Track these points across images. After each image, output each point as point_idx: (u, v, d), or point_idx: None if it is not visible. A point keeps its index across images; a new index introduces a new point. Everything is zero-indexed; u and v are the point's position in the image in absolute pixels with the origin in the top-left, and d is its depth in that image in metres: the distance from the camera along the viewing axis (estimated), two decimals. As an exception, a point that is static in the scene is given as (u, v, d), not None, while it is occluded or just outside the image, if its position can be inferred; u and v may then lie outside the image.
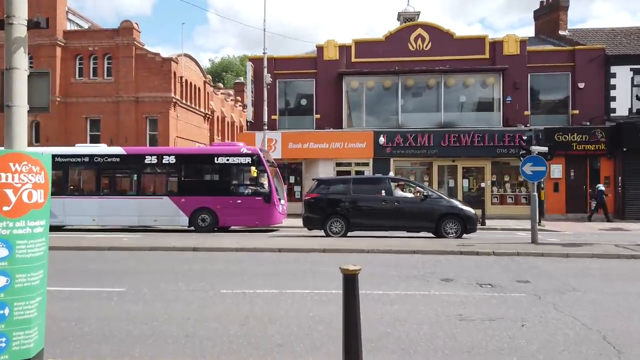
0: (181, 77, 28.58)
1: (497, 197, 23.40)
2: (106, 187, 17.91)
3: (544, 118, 23.91)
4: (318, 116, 25.03)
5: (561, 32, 26.47)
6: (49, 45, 26.67)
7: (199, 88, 32.35)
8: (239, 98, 46.66)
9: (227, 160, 16.70)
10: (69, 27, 28.78)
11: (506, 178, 23.66)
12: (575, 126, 23.20)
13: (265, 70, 22.78)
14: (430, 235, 14.29)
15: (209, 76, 36.48)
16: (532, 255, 10.56)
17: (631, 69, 23.38)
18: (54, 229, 17.42)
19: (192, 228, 16.81)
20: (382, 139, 23.42)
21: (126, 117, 27.01)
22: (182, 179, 17.17)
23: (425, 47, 24.53)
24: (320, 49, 25.16)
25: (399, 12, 28.34)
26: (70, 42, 27.35)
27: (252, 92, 24.97)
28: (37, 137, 27.39)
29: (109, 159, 17.45)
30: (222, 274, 9.03)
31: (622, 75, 23.38)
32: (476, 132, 23.09)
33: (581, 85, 23.53)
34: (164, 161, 17.10)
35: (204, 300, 7.11)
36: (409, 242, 12.47)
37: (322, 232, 14.48)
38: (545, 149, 13.46)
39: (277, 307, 6.72)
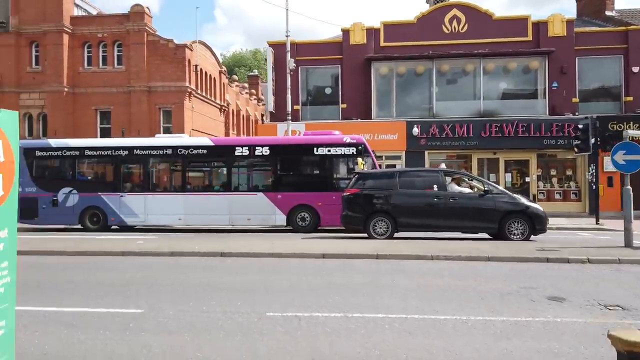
0: (196, 66, 26.77)
1: (543, 193, 21.33)
2: (192, 182, 16.20)
3: (594, 106, 21.79)
4: (344, 106, 23.12)
5: (608, 13, 24.22)
6: (55, 32, 24.99)
7: (214, 78, 30.54)
8: (253, 91, 44.91)
9: (329, 151, 14.86)
10: (76, 12, 27.09)
11: (553, 172, 21.58)
12: (630, 114, 21.03)
13: (289, 54, 20.90)
14: (487, 236, 12.36)
15: (224, 67, 34.69)
16: (638, 263, 8.59)
17: (691, 51, 21.15)
18: (126, 229, 15.81)
19: (290, 228, 15.01)
20: (415, 130, 21.45)
21: (138, 108, 25.26)
22: (278, 172, 15.36)
23: (461, 29, 22.48)
24: (346, 32, 23.22)
25: (428, -7, 26.31)
26: (77, 28, 25.65)
27: (272, 80, 23.11)
28: (44, 130, 25.78)
29: (195, 151, 15.63)
30: (261, 288, 7.18)
31: (681, 57, 21.16)
32: (520, 121, 21.01)
33: (635, 69, 21.36)
34: (256, 153, 15.23)
35: (247, 328, 5.26)
36: (474, 245, 10.53)
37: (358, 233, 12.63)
38: (642, 133, 11.40)
39: (349, 341, 4.87)
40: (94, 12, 29.27)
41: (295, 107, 22.89)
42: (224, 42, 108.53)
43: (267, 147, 15.22)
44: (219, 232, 15.12)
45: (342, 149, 14.84)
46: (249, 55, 68.01)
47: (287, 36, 21.03)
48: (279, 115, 22.65)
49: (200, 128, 27.08)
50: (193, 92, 26.35)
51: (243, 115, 39.51)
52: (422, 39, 22.47)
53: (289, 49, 20.97)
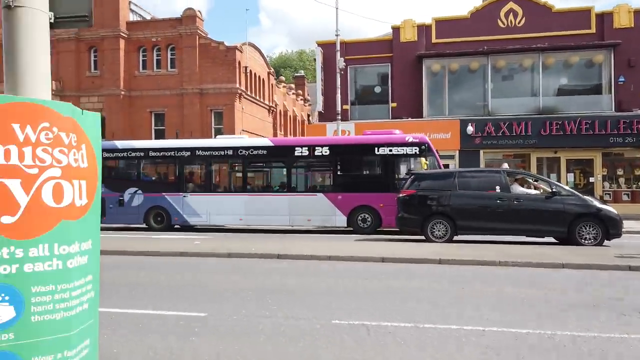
0: (246, 67, 27.02)
1: (609, 194, 20.04)
2: (252, 182, 16.39)
3: (665, 101, 20.27)
4: (394, 105, 22.67)
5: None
6: (113, 37, 25.86)
7: (263, 79, 30.76)
8: (299, 92, 45.07)
9: (390, 150, 14.47)
10: (132, 18, 27.96)
11: (620, 172, 20.25)
12: None
13: (338, 54, 20.67)
14: (554, 241, 11.64)
15: (272, 68, 34.93)
16: None
17: None
18: (187, 229, 16.14)
19: (351, 229, 14.78)
20: (470, 128, 20.69)
21: (190, 110, 25.78)
22: (338, 173, 15.11)
23: (518, 23, 21.51)
24: (396, 30, 22.76)
25: (482, -13, 25.32)
26: (133, 33, 26.45)
27: (321, 80, 22.98)
28: (102, 132, 26.67)
29: (255, 152, 15.61)
30: (322, 292, 6.96)
31: None
32: (583, 118, 19.85)
33: None
34: (316, 153, 15.05)
35: (312, 336, 5.04)
36: (542, 251, 9.90)
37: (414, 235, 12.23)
38: None
39: (422, 353, 4.55)
40: (148, 17, 30.14)
41: (345, 106, 22.64)
42: (268, 44, 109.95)
43: (327, 147, 14.99)
44: (276, 232, 15.12)
45: (405, 148, 14.41)
46: (294, 57, 68.45)
47: (336, 35, 20.81)
48: (327, 115, 22.50)
49: (249, 129, 27.32)
50: (243, 94, 26.61)
51: (290, 116, 39.70)
52: (476, 34, 21.68)
53: (338, 48, 20.74)
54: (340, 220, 14.68)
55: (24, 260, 1.83)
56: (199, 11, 26.13)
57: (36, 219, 1.87)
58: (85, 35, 26.08)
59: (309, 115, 46.88)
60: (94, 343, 2.15)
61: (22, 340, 1.82)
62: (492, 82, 21.64)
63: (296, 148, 15.28)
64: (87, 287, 2.07)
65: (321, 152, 15.01)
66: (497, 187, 11.46)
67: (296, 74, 52.10)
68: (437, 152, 14.81)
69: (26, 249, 1.84)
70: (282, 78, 41.32)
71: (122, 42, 26.09)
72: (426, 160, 13.96)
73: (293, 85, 44.95)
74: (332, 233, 14.95)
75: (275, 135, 32.71)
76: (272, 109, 32.39)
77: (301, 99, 44.70)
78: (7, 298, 1.79)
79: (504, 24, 21.65)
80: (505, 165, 14.62)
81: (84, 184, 2.08)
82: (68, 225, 1.97)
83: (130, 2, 27.44)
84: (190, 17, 25.77)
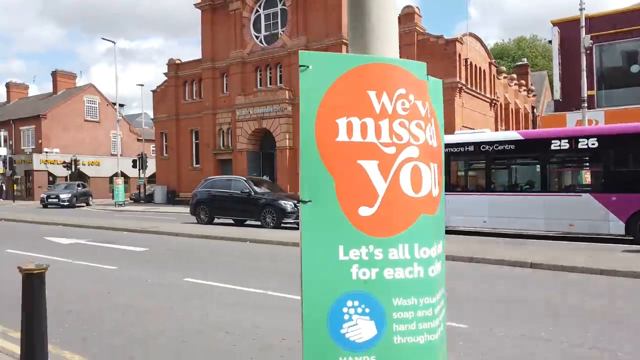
0: (466, 60, 25.59)
1: None
2: (498, 181, 15.28)
3: None
4: (659, 85, 18.43)
5: None
6: (336, 45, 27.40)
7: (484, 71, 28.78)
8: (522, 82, 41.04)
9: None
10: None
11: None
12: None
13: (583, 30, 17.74)
14: None
15: (493, 58, 32.52)
16: None
17: None
18: None
19: (631, 238, 12.26)
20: None
21: (409, 109, 25.63)
22: (612, 169, 12.78)
23: None
24: (661, -7, 18.46)
25: None
26: (355, 39, 27.61)
27: (558, 64, 20.10)
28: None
29: (501, 147, 14.31)
30: (612, 315, 5.63)
31: None
32: None
33: None
34: (580, 146, 12.96)
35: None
36: None
37: None
38: None
39: None
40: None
41: (590, 92, 19.35)
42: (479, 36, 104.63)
43: (595, 139, 12.60)
44: (521, 237, 13.65)
45: None
46: (511, 45, 63.23)
47: (581, 9, 17.91)
48: (566, 103, 19.58)
49: (469, 124, 25.78)
50: (463, 87, 25.26)
51: (512, 109, 36.37)
52: None
53: (583, 24, 17.81)
54: (616, 227, 12.05)
55: (383, 263, 1.43)
56: (417, 7, 25.80)
57: (395, 211, 1.45)
58: (314, 45, 28.32)
59: (533, 107, 42.31)
60: (446, 374, 1.68)
61: (383, 367, 1.42)
62: None
63: (553, 141, 13.17)
64: (442, 302, 1.60)
65: (587, 144, 12.62)
66: None
67: (518, 63, 47.76)
68: None
69: (385, 249, 1.44)
70: (503, 69, 38.15)
71: (344, 49, 27.46)
72: None
73: (515, 76, 41.21)
74: (590, 241, 12.62)
75: (496, 130, 30.27)
76: (494, 102, 30.08)
77: (524, 90, 40.65)
78: (367, 311, 1.41)
79: None
80: None
81: (436, 169, 1.62)
82: (427, 221, 1.52)
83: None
84: (409, 14, 25.61)
